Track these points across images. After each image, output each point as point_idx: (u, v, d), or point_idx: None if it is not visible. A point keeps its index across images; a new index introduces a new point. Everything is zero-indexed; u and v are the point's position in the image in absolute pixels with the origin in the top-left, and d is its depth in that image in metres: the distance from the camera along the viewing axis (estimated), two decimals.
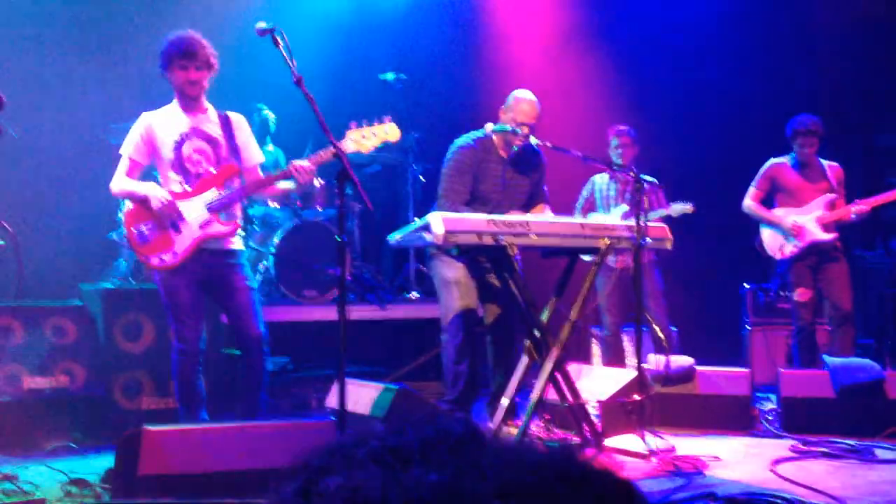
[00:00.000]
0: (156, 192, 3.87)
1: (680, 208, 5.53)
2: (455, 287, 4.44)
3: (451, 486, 0.72)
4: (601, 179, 5.86)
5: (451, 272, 4.46)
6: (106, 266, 5.50)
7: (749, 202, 5.70)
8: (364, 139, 3.83)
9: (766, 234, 5.69)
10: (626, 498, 0.75)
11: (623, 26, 7.16)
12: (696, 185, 6.09)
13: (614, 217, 5.59)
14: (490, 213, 4.20)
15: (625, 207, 5.68)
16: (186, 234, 3.91)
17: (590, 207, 5.86)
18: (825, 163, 5.61)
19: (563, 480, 0.71)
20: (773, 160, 5.67)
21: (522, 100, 4.51)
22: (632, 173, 4.46)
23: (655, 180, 5.70)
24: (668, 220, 5.53)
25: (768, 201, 5.70)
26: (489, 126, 4.48)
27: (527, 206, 4.65)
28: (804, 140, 5.51)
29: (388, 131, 3.87)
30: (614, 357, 5.82)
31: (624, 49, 7.10)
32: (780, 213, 5.62)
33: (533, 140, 4.34)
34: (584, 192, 5.90)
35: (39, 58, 5.95)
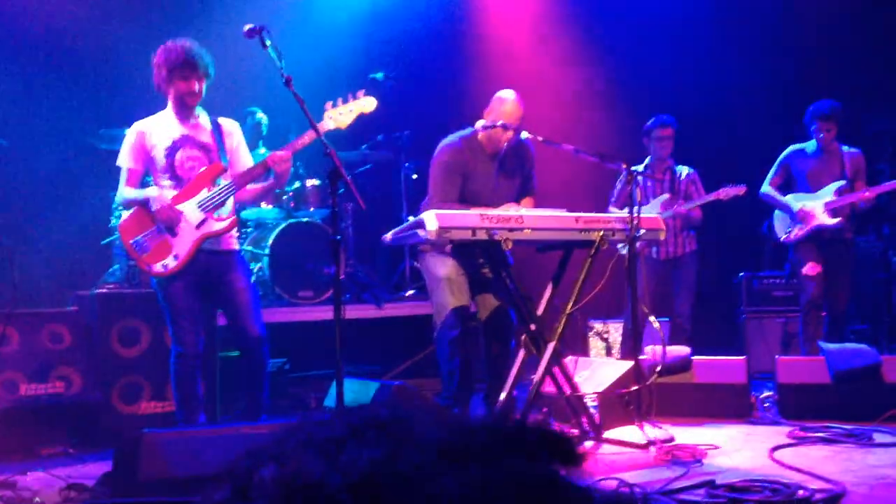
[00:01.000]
0: (156, 196, 3.89)
1: (732, 192, 5.62)
2: (446, 283, 4.44)
3: (388, 459, 0.72)
4: (636, 171, 5.86)
5: (443, 269, 4.46)
6: (101, 271, 5.50)
7: (766, 188, 5.80)
8: (341, 115, 3.90)
9: (777, 219, 5.81)
10: (557, 447, 0.76)
11: (613, 20, 7.16)
12: (718, 170, 6.11)
13: (654, 207, 5.70)
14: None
15: (665, 197, 5.77)
16: (184, 236, 3.91)
17: (626, 201, 5.87)
18: (845, 149, 5.68)
19: (497, 437, 0.72)
20: (791, 147, 5.77)
21: (505, 100, 4.50)
22: (625, 166, 4.46)
23: (693, 170, 5.84)
24: (715, 204, 5.64)
25: (788, 188, 5.78)
26: (479, 124, 4.49)
27: (518, 201, 4.65)
28: (821, 125, 5.58)
29: (365, 104, 3.95)
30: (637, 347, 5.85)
31: (617, 43, 7.11)
32: (791, 198, 5.70)
33: (524, 134, 4.33)
34: (619, 185, 5.90)
35: (28, 65, 5.94)
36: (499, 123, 4.40)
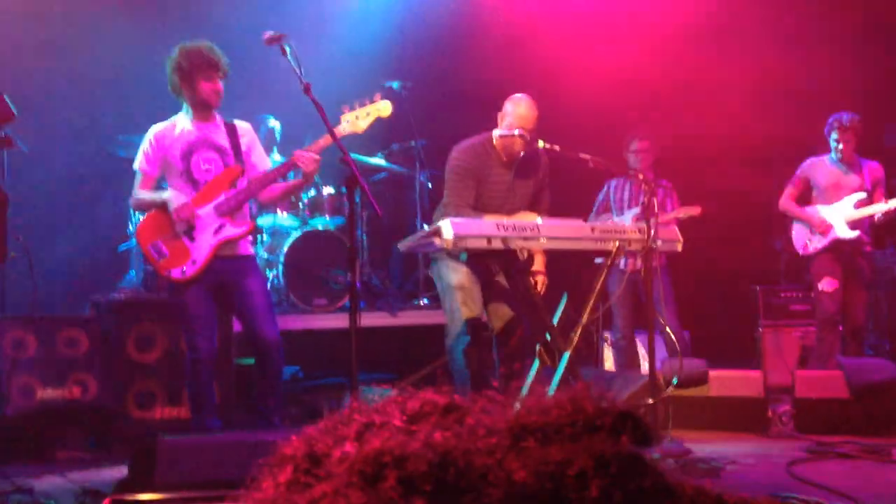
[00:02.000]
0: (173, 197, 3.91)
1: (686, 211, 5.58)
2: (459, 292, 4.37)
3: (467, 437, 0.73)
4: (616, 182, 5.93)
5: (455, 277, 4.39)
6: (118, 277, 5.53)
7: (784, 200, 5.79)
8: (358, 119, 3.91)
9: (796, 230, 5.78)
10: (634, 427, 0.77)
11: (631, 25, 7.14)
12: (708, 187, 6.09)
13: (626, 220, 5.61)
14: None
15: (636, 210, 5.71)
16: (202, 241, 3.93)
17: (604, 210, 5.90)
18: (865, 161, 5.66)
19: (577, 417, 0.73)
20: (810, 158, 5.75)
21: (520, 104, 4.45)
22: (640, 175, 4.45)
23: (670, 183, 5.77)
24: (728, 217, 5.59)
25: (806, 199, 5.76)
26: (495, 132, 4.46)
27: (530, 210, 4.62)
28: (840, 136, 5.58)
29: (381, 108, 3.96)
30: (628, 361, 5.80)
31: (634, 49, 7.08)
32: (810, 210, 5.68)
33: (541, 143, 4.31)
34: (601, 196, 5.95)
35: (48, 71, 5.99)
36: (515, 132, 4.37)
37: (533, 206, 4.61)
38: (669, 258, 5.75)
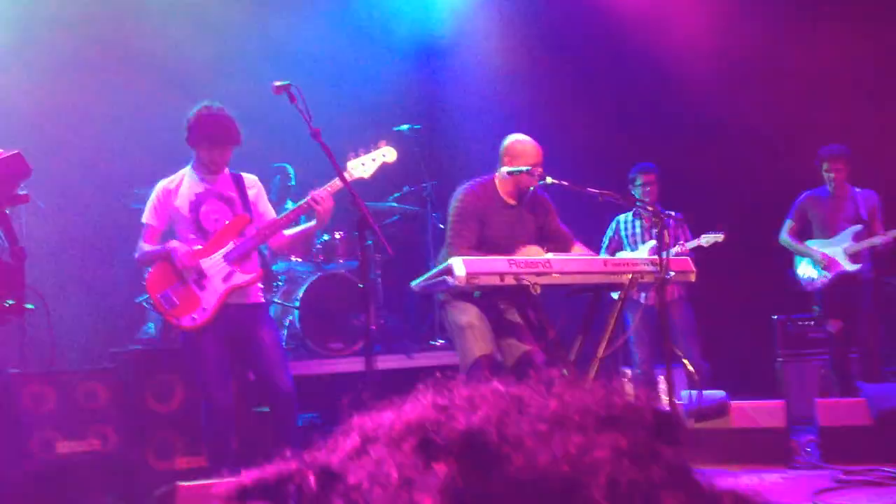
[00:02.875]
0: (177, 247, 3.96)
1: (711, 238, 5.60)
2: (470, 331, 4.31)
3: (498, 421, 0.76)
4: (625, 218, 5.96)
5: (465, 317, 4.33)
6: (135, 329, 5.56)
7: (784, 236, 5.86)
8: (364, 166, 3.96)
9: (800, 266, 5.83)
10: (662, 425, 0.79)
11: (642, 60, 7.20)
12: (724, 217, 6.09)
13: (643, 254, 5.62)
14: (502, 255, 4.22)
15: (653, 243, 5.72)
16: (211, 289, 3.96)
17: (616, 247, 5.92)
18: (858, 191, 5.70)
19: (602, 411, 0.76)
20: (806, 193, 5.81)
21: (526, 142, 4.46)
22: (650, 208, 4.47)
23: (680, 215, 5.77)
24: (699, 250, 5.58)
25: (806, 233, 5.81)
26: (504, 170, 4.46)
27: (551, 247, 4.60)
28: (830, 166, 5.67)
29: (385, 153, 4.01)
30: None
31: (647, 83, 7.14)
32: (812, 245, 5.75)
33: (549, 179, 4.32)
34: (609, 232, 5.98)
35: (64, 126, 6.10)
36: (525, 168, 4.37)
37: (557, 244, 4.57)
38: (689, 289, 5.77)
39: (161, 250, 4.02)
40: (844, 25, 6.54)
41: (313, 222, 4.09)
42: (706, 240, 5.62)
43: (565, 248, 4.54)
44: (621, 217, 5.97)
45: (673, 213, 5.87)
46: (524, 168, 4.37)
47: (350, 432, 1.09)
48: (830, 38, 6.64)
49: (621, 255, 5.73)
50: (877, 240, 5.54)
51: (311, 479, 1.02)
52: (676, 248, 5.59)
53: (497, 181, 4.48)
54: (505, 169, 4.44)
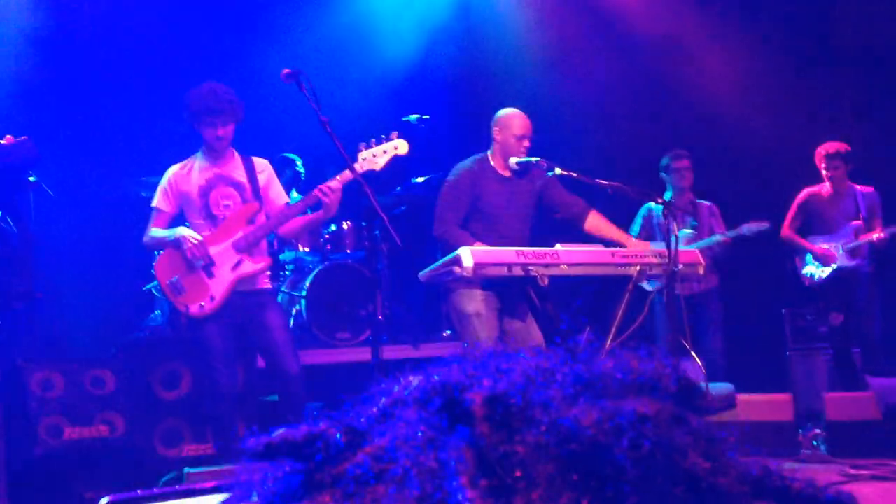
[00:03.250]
0: (185, 233, 3.95)
1: (755, 227, 5.58)
2: (476, 320, 4.30)
3: (523, 387, 0.76)
4: (657, 206, 5.84)
5: (471, 305, 4.31)
6: (143, 317, 5.58)
7: (785, 231, 5.91)
8: (375, 157, 3.93)
9: (800, 261, 5.93)
10: (686, 392, 0.80)
11: (648, 54, 7.17)
12: (734, 208, 6.08)
13: (679, 243, 5.59)
14: (495, 228, 4.25)
15: (687, 231, 5.71)
16: (220, 277, 3.97)
17: (647, 236, 5.83)
18: (858, 188, 5.74)
19: (629, 378, 0.76)
20: (806, 189, 5.87)
21: (514, 115, 4.48)
22: (659, 200, 4.44)
23: (714, 205, 5.83)
24: (741, 240, 5.58)
25: (806, 229, 5.86)
26: (513, 160, 4.45)
27: (562, 215, 4.57)
28: (828, 164, 5.75)
29: (398, 145, 3.99)
30: None
31: (656, 73, 7.11)
32: (811, 241, 5.83)
33: (557, 170, 4.31)
34: (639, 220, 5.89)
35: (73, 112, 6.11)
36: (533, 160, 4.36)
37: (568, 214, 4.55)
38: (722, 280, 5.83)
39: (169, 237, 4.02)
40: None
41: (321, 212, 4.09)
42: (749, 230, 5.59)
43: (580, 216, 4.53)
44: (653, 204, 5.84)
45: (706, 203, 5.90)
46: (532, 159, 4.37)
47: (377, 395, 1.10)
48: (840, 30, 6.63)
49: (653, 244, 5.70)
50: (875, 236, 5.59)
51: (339, 436, 1.02)
52: (717, 238, 5.59)
53: (490, 155, 4.49)
54: (513, 160, 4.43)
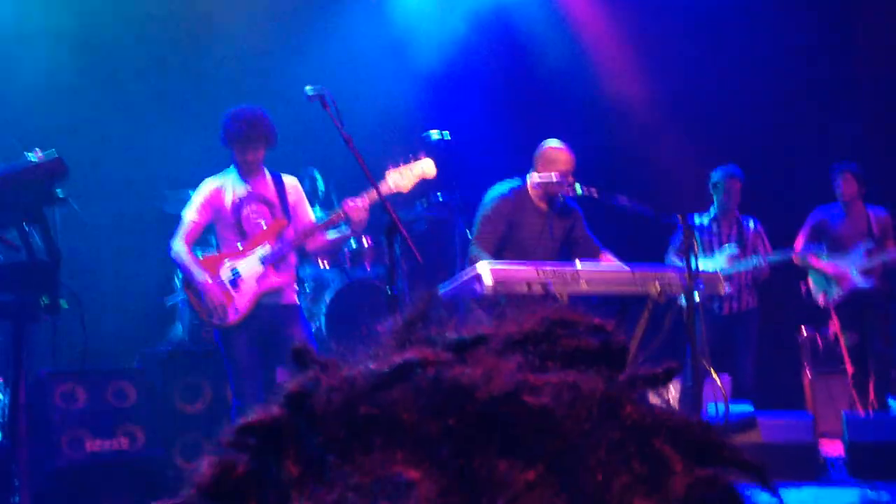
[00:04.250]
0: (202, 280, 4.03)
1: (811, 252, 5.67)
2: None
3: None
4: (700, 221, 5.79)
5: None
6: (165, 330, 5.63)
7: (797, 251, 5.82)
8: (402, 178, 3.96)
9: (813, 282, 5.86)
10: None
11: (670, 75, 7.19)
12: (771, 229, 6.07)
13: (720, 260, 5.56)
14: (526, 259, 4.25)
15: (732, 249, 5.67)
16: (245, 289, 4.02)
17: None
18: (871, 208, 5.71)
19: None
20: (818, 209, 5.83)
21: (558, 149, 4.51)
22: (680, 217, 4.44)
23: (760, 225, 5.80)
24: (785, 264, 5.59)
25: (818, 249, 5.81)
26: (535, 177, 4.49)
27: (571, 256, 4.61)
28: (842, 183, 5.68)
29: (425, 167, 4.02)
30: (691, 406, 5.74)
31: (676, 98, 7.14)
32: (825, 261, 5.74)
33: (578, 189, 4.34)
34: (680, 235, 5.84)
35: (99, 127, 6.20)
36: (554, 178, 4.40)
37: (584, 252, 4.57)
38: (762, 300, 5.81)
39: (190, 270, 4.08)
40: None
41: (347, 230, 4.12)
42: (802, 257, 5.66)
43: (592, 257, 4.55)
44: (696, 219, 5.79)
45: (752, 222, 5.85)
46: (553, 179, 4.40)
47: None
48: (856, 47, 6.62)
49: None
50: (888, 256, 5.56)
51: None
52: (757, 261, 5.56)
53: (529, 186, 4.51)
54: (536, 176, 4.47)
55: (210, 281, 4.03)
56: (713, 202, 5.88)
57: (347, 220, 4.02)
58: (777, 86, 7.08)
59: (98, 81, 6.26)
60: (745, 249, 5.82)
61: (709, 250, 5.74)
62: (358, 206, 3.95)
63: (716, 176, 5.85)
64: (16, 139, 4.12)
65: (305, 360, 0.52)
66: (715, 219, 5.83)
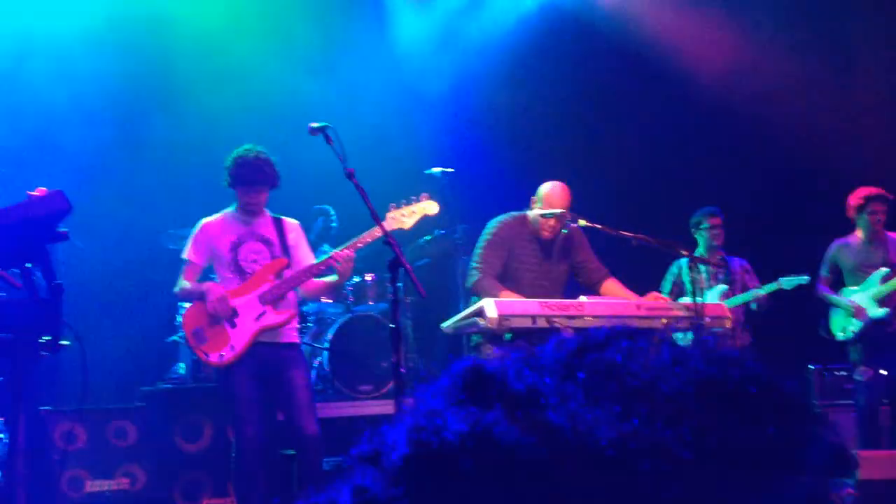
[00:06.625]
0: (211, 289, 4.00)
1: (793, 280, 5.56)
2: None
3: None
4: (686, 261, 5.77)
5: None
6: (166, 368, 5.58)
7: (818, 287, 5.75)
8: (404, 217, 3.98)
9: (832, 316, 5.75)
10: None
11: (675, 105, 7.22)
12: (762, 262, 6.04)
13: (713, 299, 5.53)
14: (524, 291, 4.21)
15: (723, 288, 5.65)
16: (242, 328, 3.99)
17: (679, 291, 5.76)
18: (891, 236, 5.63)
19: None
20: (835, 242, 5.73)
21: (555, 189, 4.54)
22: (684, 252, 4.43)
23: (747, 262, 5.77)
24: (777, 293, 5.54)
25: (838, 280, 5.74)
26: (535, 212, 4.50)
27: (577, 282, 4.58)
28: (874, 207, 5.54)
29: (427, 207, 4.04)
30: None
31: (685, 130, 7.16)
32: (842, 294, 5.68)
33: (581, 222, 4.33)
34: (670, 277, 5.83)
35: (102, 165, 6.22)
36: (557, 211, 4.41)
37: (590, 278, 4.58)
38: (757, 336, 5.78)
39: (197, 291, 4.07)
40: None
41: (335, 277, 4.13)
42: (787, 283, 5.55)
43: (599, 282, 4.54)
44: (683, 261, 5.76)
45: (738, 260, 5.84)
46: (556, 211, 4.41)
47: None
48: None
49: (684, 300, 5.65)
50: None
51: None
52: (750, 295, 5.53)
53: (529, 217, 4.51)
54: (536, 212, 4.47)
55: (213, 286, 4.01)
56: (697, 245, 5.86)
57: (333, 268, 4.03)
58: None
59: (103, 121, 6.29)
60: (733, 287, 5.78)
61: (698, 290, 5.72)
62: (342, 255, 3.96)
63: (697, 217, 5.84)
64: (18, 176, 4.12)
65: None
66: (695, 256, 5.79)
